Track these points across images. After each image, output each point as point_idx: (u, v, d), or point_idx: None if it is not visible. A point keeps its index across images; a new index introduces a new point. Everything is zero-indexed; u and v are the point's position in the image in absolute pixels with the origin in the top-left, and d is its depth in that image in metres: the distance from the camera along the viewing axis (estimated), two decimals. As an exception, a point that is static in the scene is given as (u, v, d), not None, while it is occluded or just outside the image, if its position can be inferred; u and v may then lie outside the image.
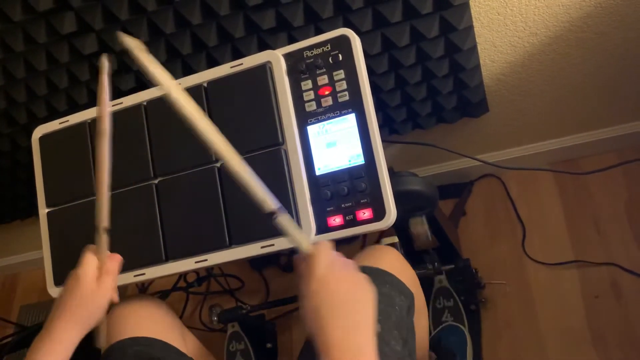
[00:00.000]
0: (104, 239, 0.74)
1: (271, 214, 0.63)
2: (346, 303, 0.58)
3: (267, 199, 0.63)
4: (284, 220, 0.63)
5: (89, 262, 0.73)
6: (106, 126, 0.68)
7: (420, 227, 1.11)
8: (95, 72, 1.12)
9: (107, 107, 0.68)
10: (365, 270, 0.79)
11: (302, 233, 0.65)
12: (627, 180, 1.30)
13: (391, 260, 0.84)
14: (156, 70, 0.62)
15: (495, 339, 1.21)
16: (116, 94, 1.15)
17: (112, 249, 0.86)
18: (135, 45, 0.62)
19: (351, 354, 0.55)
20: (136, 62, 0.62)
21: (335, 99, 0.80)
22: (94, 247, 0.75)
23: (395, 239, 0.99)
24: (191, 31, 1.04)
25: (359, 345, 0.56)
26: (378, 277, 0.78)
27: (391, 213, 0.76)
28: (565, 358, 1.15)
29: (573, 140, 1.34)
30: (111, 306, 0.87)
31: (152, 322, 0.85)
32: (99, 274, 0.73)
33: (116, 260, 0.76)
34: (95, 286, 0.72)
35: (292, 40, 1.03)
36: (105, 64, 0.66)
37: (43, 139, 0.93)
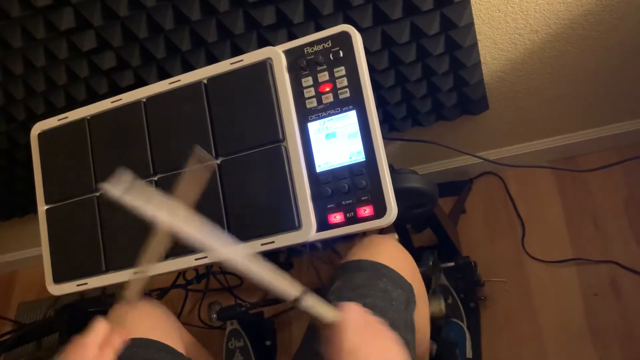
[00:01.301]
0: (124, 310, 0.73)
1: (296, 301, 0.61)
2: None
3: (289, 288, 0.61)
4: (310, 301, 0.61)
5: (98, 331, 0.68)
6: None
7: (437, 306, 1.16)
8: (94, 68, 1.11)
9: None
10: (361, 264, 0.79)
11: (327, 305, 0.61)
12: (626, 178, 1.30)
13: (389, 251, 0.83)
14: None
15: (494, 337, 1.21)
16: (115, 90, 1.14)
17: (111, 246, 0.86)
18: (121, 190, 0.62)
19: None
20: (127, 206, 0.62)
21: (336, 95, 0.80)
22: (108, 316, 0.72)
23: (395, 236, 0.99)
24: (190, 27, 1.04)
25: None
26: (375, 271, 0.78)
27: (392, 210, 0.76)
28: (564, 356, 1.15)
29: (573, 137, 1.34)
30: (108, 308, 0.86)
31: (149, 323, 0.83)
32: (104, 342, 0.68)
33: (123, 337, 0.71)
34: (97, 355, 0.66)
35: (292, 37, 1.03)
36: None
37: (41, 136, 0.93)
